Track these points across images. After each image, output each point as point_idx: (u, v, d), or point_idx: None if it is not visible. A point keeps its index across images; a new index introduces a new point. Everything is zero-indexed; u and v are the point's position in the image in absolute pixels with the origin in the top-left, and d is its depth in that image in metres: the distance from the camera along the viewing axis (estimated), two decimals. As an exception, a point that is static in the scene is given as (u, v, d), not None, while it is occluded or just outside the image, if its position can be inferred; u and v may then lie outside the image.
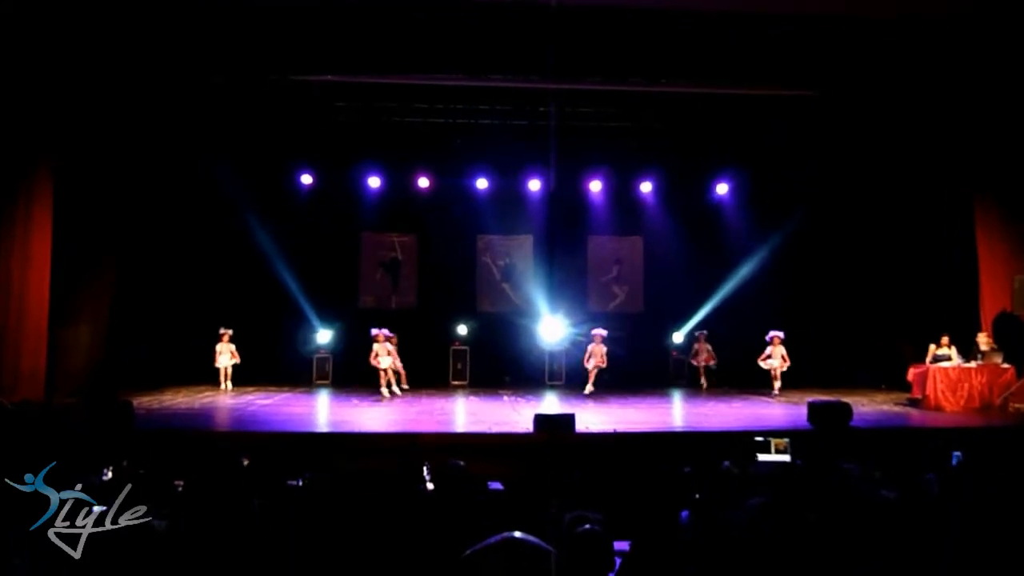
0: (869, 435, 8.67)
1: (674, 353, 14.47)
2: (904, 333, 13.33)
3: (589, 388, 12.56)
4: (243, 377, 13.10)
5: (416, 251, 15.63)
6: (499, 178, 14.87)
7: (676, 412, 11.30)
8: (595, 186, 15.21)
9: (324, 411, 11.19)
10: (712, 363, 13.92)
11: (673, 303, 14.96)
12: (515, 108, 13.06)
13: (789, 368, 12.63)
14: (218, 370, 12.91)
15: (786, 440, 7.24)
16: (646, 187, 15.29)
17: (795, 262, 15.05)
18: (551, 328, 14.22)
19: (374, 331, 12.29)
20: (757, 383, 12.48)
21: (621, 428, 8.73)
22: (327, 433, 8.85)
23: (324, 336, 14.34)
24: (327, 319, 14.45)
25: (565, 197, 14.57)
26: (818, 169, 14.27)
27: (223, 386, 12.82)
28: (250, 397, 11.94)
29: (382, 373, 12.16)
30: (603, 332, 12.95)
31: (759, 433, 7.62)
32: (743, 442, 6.73)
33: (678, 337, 14.56)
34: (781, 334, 12.49)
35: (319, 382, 14.09)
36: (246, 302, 14.16)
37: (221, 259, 14.35)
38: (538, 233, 15.53)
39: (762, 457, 7.13)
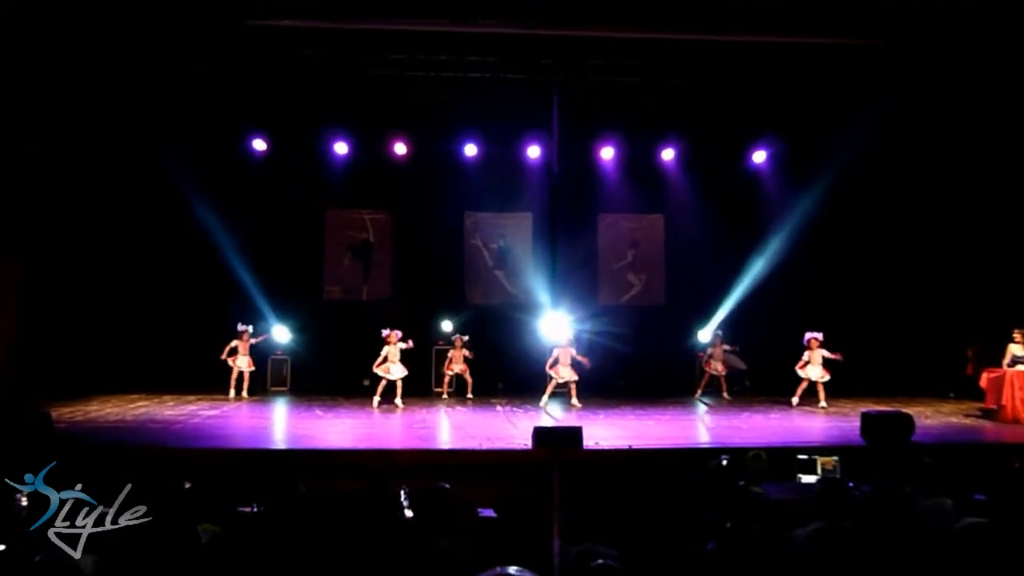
0: (935, 452, 8.68)
1: (700, 354, 14.46)
2: (975, 331, 13.34)
3: (575, 401, 12.48)
4: (185, 384, 13.07)
5: (391, 231, 15.62)
6: (491, 144, 14.83)
7: (703, 425, 11.31)
8: (607, 154, 15.19)
9: (281, 424, 11.20)
10: (731, 370, 13.85)
11: (699, 294, 14.95)
12: (511, 60, 12.97)
13: (834, 374, 12.52)
14: (240, 374, 13.02)
15: (835, 459, 7.27)
16: (668, 155, 15.28)
17: (844, 247, 15.07)
18: (554, 324, 14.18)
19: (385, 332, 12.34)
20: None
21: (638, 444, 8.73)
22: (285, 450, 8.85)
23: (281, 334, 14.29)
24: (285, 313, 14.40)
25: (571, 167, 14.46)
26: (873, 136, 14.22)
27: (231, 394, 12.95)
28: (193, 407, 11.91)
29: (383, 382, 12.23)
30: (570, 347, 12.91)
31: (802, 450, 7.64)
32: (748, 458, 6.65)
33: (704, 335, 14.49)
34: (820, 335, 12.38)
35: (275, 389, 14.09)
36: (187, 294, 14.15)
37: (158, 243, 14.32)
38: (538, 210, 15.50)
39: (804, 479, 7.16)
